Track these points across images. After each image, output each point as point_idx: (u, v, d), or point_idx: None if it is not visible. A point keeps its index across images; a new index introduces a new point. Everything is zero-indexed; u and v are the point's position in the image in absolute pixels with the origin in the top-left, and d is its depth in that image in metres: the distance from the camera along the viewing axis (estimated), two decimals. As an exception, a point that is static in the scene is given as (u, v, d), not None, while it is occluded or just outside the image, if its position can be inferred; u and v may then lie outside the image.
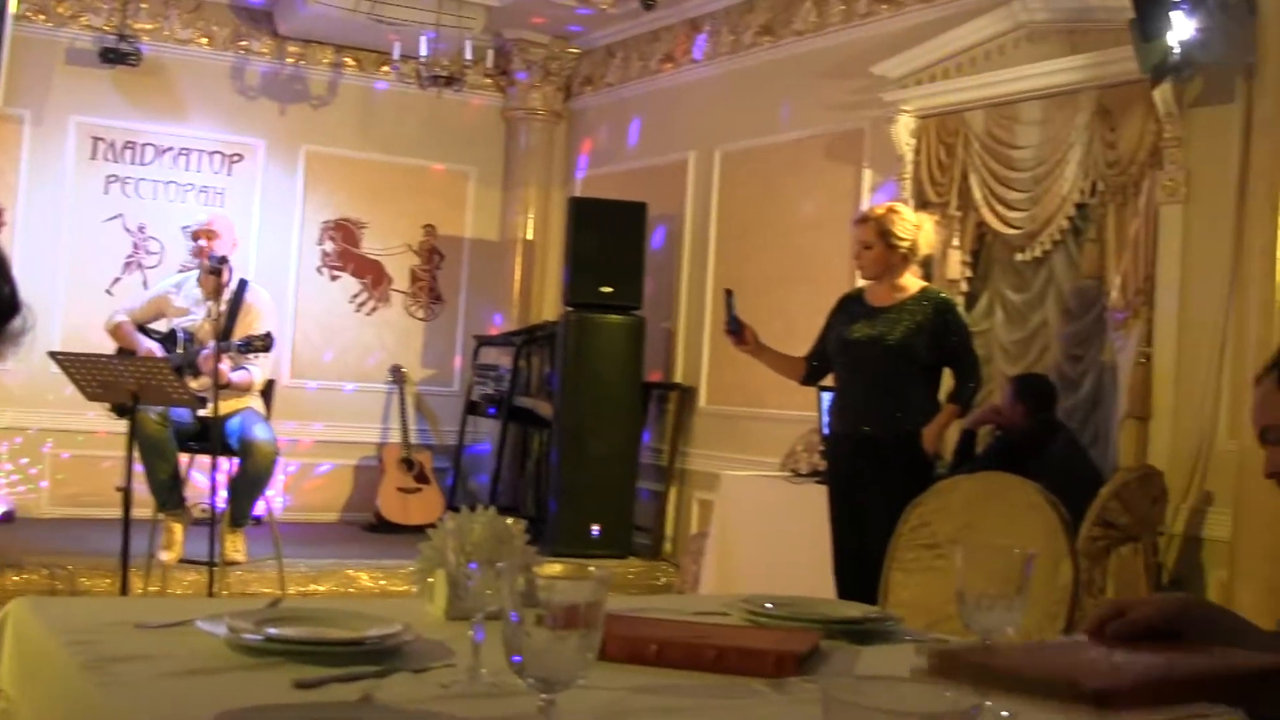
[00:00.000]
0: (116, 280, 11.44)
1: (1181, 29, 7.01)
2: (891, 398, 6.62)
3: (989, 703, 1.98)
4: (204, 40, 11.78)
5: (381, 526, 11.60)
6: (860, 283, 7.05)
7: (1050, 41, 8.19)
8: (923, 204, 8.57)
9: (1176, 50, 7.07)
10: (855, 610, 3.21)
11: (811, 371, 7.03)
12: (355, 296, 12.43)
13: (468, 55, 10.82)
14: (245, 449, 8.60)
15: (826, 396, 7.38)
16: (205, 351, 8.41)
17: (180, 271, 10.27)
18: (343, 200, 12.36)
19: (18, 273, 1.87)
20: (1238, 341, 6.93)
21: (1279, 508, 4.79)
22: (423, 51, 10.78)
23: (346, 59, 12.29)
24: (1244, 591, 6.43)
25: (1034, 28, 8.25)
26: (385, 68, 12.02)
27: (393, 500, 11.72)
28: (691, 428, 11.16)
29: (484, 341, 12.47)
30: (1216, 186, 7.31)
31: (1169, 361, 7.54)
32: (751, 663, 2.44)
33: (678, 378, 11.34)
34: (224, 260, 8.34)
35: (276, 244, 12.06)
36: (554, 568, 2.06)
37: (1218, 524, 7.07)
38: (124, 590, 7.47)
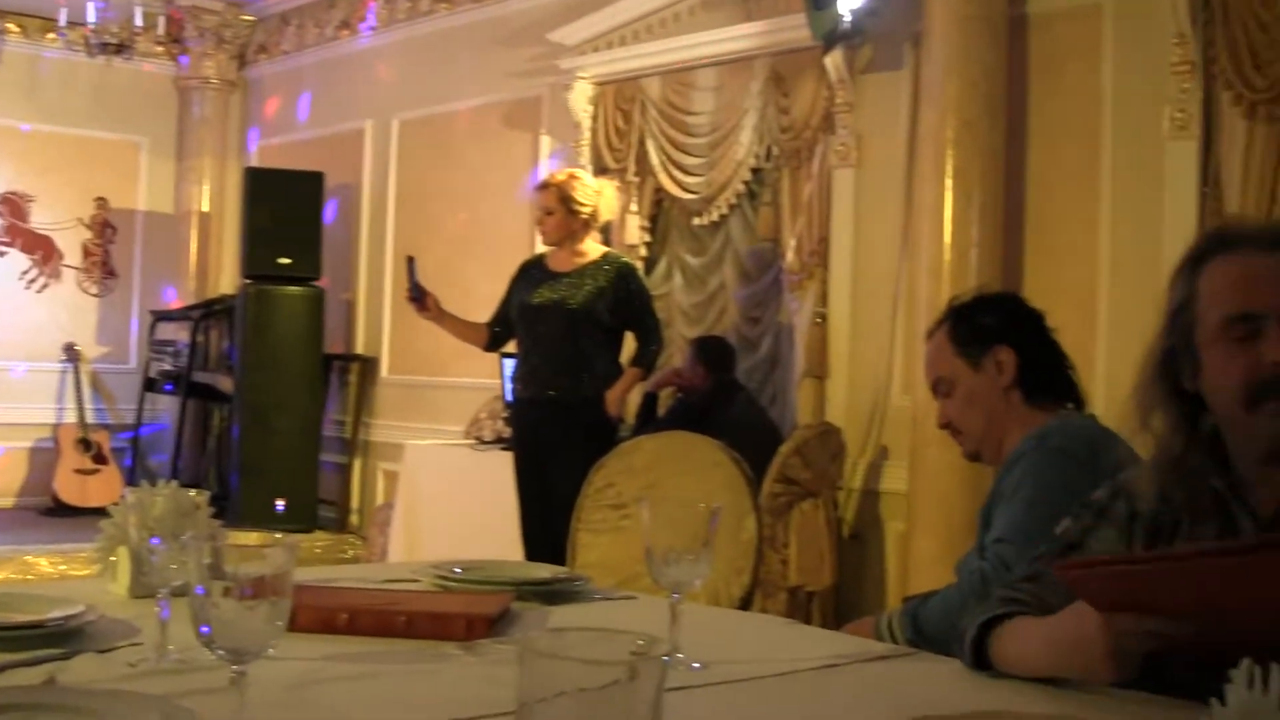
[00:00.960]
0: None
1: (852, -3, 7.09)
2: (574, 362, 6.56)
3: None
4: None
5: (60, 510, 11.17)
6: (542, 248, 6.95)
7: (725, 9, 8.22)
8: (601, 170, 8.53)
9: (847, 18, 7.17)
10: (544, 571, 3.16)
11: (494, 338, 6.92)
12: (25, 273, 11.92)
13: (138, 22, 10.41)
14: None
15: (509, 363, 7.28)
16: None
17: None
18: (9, 173, 11.82)
19: None
20: (909, 300, 7.06)
21: (952, 459, 4.75)
22: (90, 18, 10.34)
23: (9, 24, 11.72)
24: (921, 541, 6.55)
25: (708, -5, 8.27)
26: (51, 35, 11.48)
27: (70, 482, 11.27)
28: (374, 399, 10.97)
29: (160, 317, 12.08)
30: (886, 150, 7.44)
31: (844, 321, 7.66)
32: (443, 627, 2.38)
33: (359, 349, 11.14)
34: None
35: (-64, 219, 11.45)
36: (240, 538, 1.91)
37: (894, 477, 7.20)
38: None
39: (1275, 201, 5.96)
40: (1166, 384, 2.20)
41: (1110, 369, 6.20)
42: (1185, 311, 2.17)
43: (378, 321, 10.93)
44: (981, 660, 2.21)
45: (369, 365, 11.00)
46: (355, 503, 10.99)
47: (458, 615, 2.41)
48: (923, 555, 6.49)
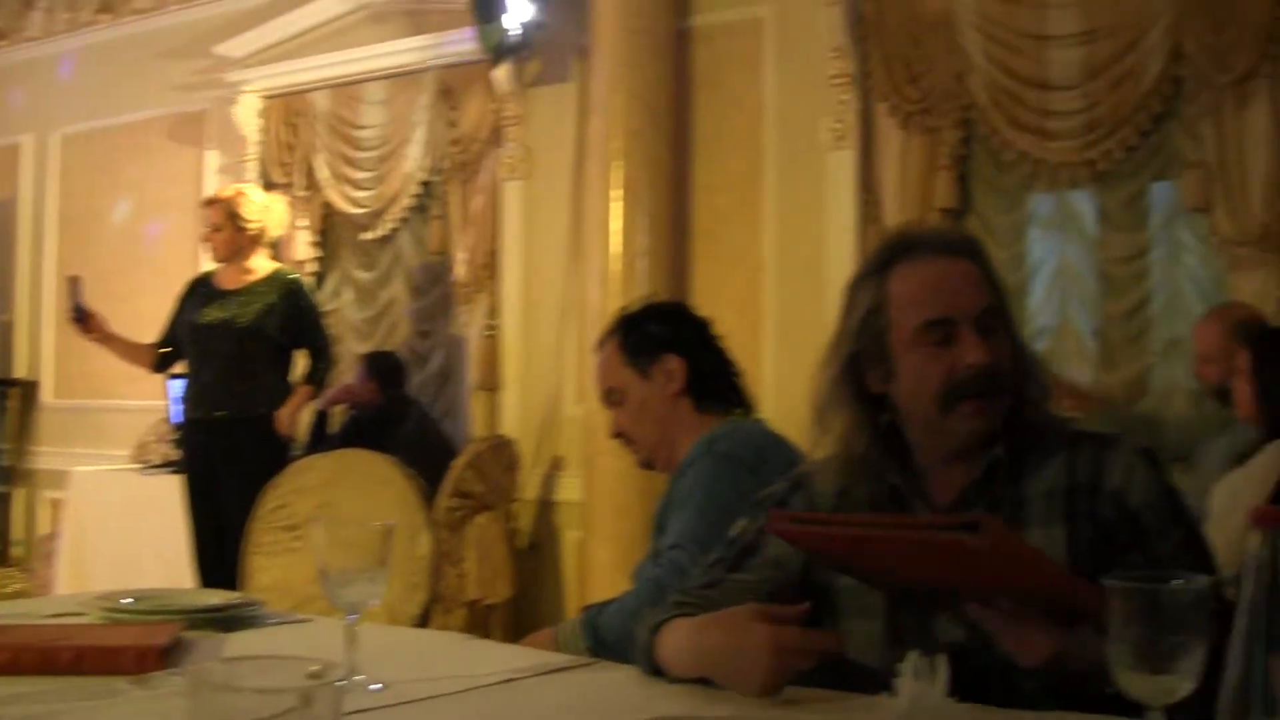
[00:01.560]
0: None
1: (519, 11, 7.06)
2: (245, 381, 6.36)
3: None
4: None
5: None
6: (210, 266, 6.72)
7: (393, 22, 8.09)
8: (269, 185, 8.26)
9: (515, 32, 7.13)
10: (217, 598, 3.04)
11: (162, 358, 6.68)
12: None
13: None
14: None
15: (175, 384, 7.02)
16: None
17: None
18: None
19: None
20: (579, 311, 7.01)
21: (625, 468, 4.76)
22: None
23: None
24: (598, 550, 6.52)
25: (376, 9, 8.12)
26: None
27: None
28: (37, 424, 10.47)
29: None
30: (555, 163, 7.41)
31: (515, 333, 7.59)
32: (111, 661, 2.26)
33: (19, 373, 10.62)
34: None
35: None
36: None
37: (569, 487, 7.16)
38: None
39: (931, 208, 6.10)
40: (851, 386, 2.24)
41: (778, 374, 6.27)
42: (876, 316, 2.20)
43: (39, 344, 10.45)
44: (656, 664, 2.18)
45: (30, 389, 10.50)
46: (19, 534, 10.47)
47: (127, 648, 2.30)
48: (600, 564, 6.47)
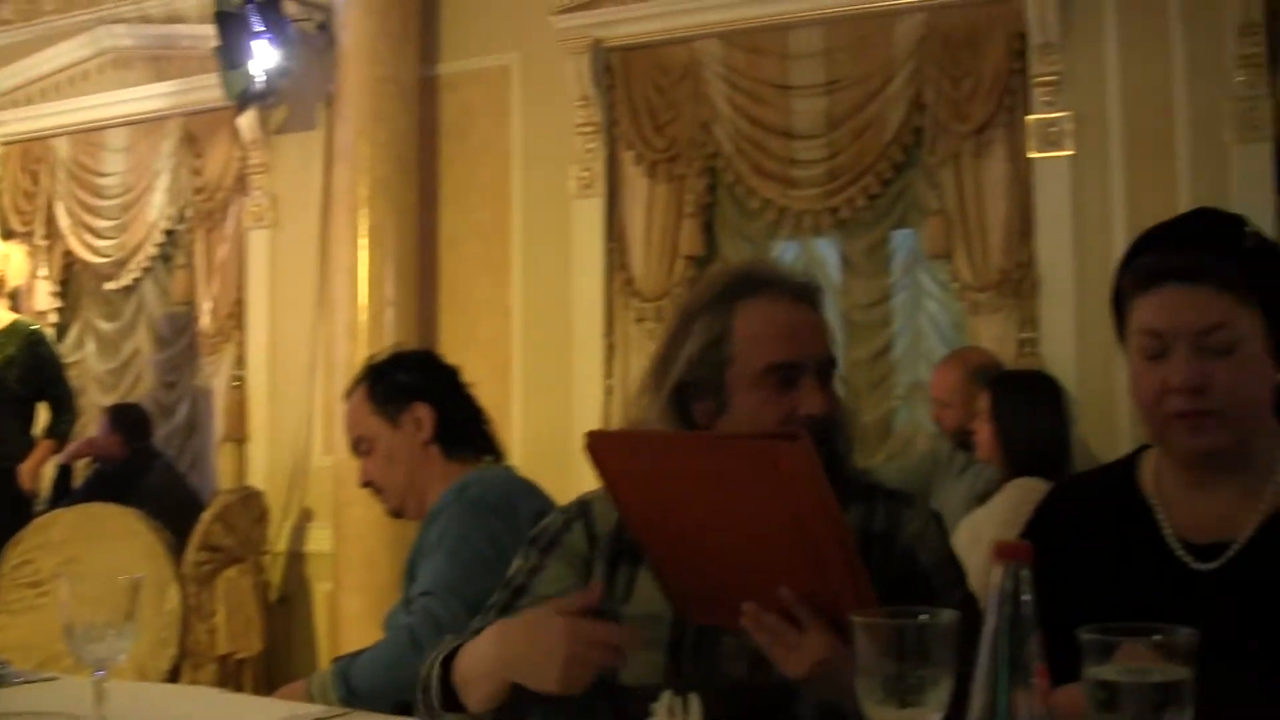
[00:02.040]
0: None
1: (265, 57, 6.61)
2: (-15, 435, 5.92)
3: None
4: None
5: None
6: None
7: (136, 68, 7.56)
8: (8, 234, 7.70)
9: (260, 79, 6.67)
10: None
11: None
12: None
13: None
14: None
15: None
16: None
17: None
18: None
19: None
20: (327, 360, 6.62)
21: (376, 517, 4.52)
22: None
23: None
24: (349, 600, 6.19)
25: (119, 54, 7.59)
26: None
27: None
28: None
29: None
30: (302, 211, 6.99)
31: (262, 383, 7.16)
32: None
33: None
34: None
35: None
36: None
37: (319, 538, 6.78)
38: None
39: (677, 255, 5.85)
40: (675, 415, 2.12)
41: (526, 421, 6.09)
42: (717, 349, 2.09)
43: None
44: (447, 697, 2.04)
45: None
46: None
47: None
48: (351, 614, 6.16)
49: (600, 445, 1.96)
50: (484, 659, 1.99)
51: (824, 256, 5.81)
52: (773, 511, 1.82)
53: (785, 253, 5.88)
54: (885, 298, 5.68)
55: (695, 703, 1.34)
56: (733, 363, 2.08)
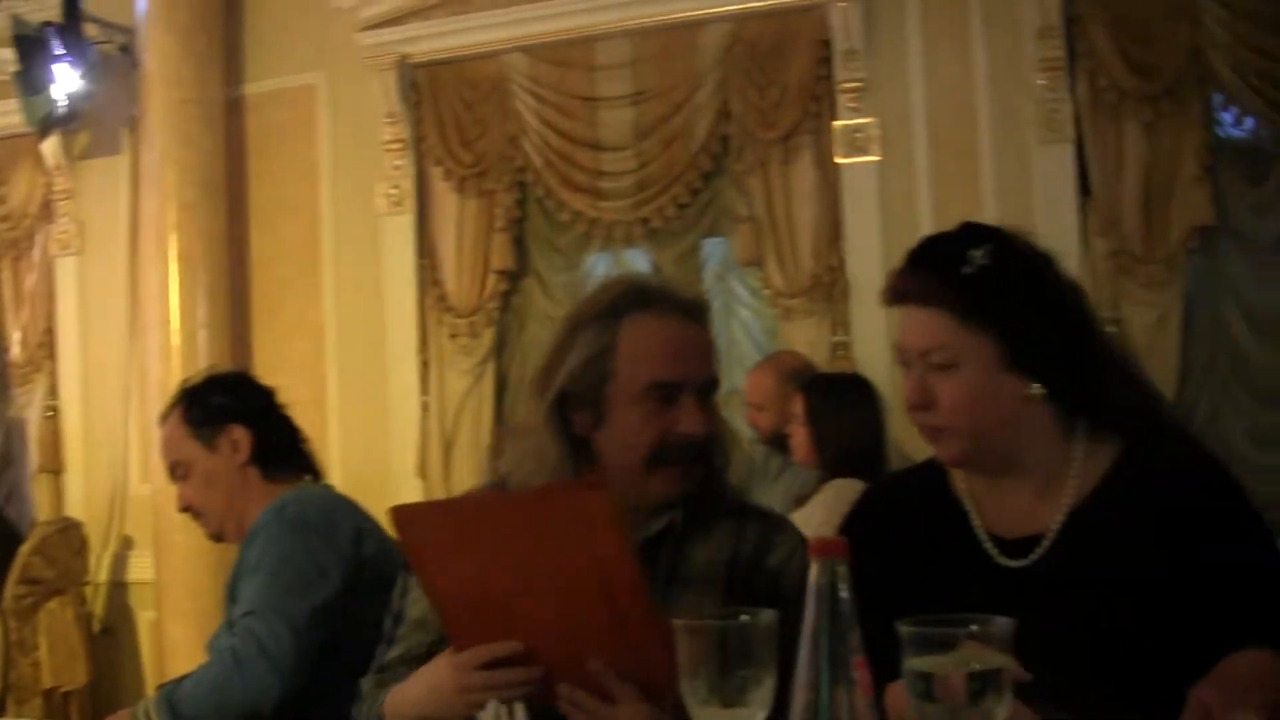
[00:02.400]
0: None
1: (66, 82, 6.17)
2: None
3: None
4: None
5: None
6: None
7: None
8: None
9: (62, 103, 6.24)
10: None
11: None
12: None
13: None
14: None
15: None
16: None
17: None
18: None
19: None
20: (141, 386, 6.26)
21: (197, 542, 4.33)
22: None
23: None
24: (174, 628, 5.88)
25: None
26: None
27: None
28: None
29: None
30: (110, 236, 6.59)
31: (76, 412, 6.75)
32: None
33: None
34: None
35: None
36: None
37: (141, 567, 6.40)
38: None
39: (488, 270, 5.57)
40: (555, 424, 2.06)
41: (344, 439, 5.82)
42: (600, 362, 2.03)
43: None
44: None
45: None
46: None
47: None
48: (176, 642, 5.83)
49: (405, 519, 1.92)
50: (404, 701, 2.02)
51: (636, 267, 5.57)
52: (577, 565, 1.81)
53: (597, 265, 5.63)
54: (698, 307, 5.42)
55: (520, 710, 1.28)
56: (615, 377, 2.03)
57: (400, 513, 1.92)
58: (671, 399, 2.02)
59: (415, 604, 2.15)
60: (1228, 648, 1.70)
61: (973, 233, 1.92)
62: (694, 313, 2.08)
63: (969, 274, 1.85)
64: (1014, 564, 1.92)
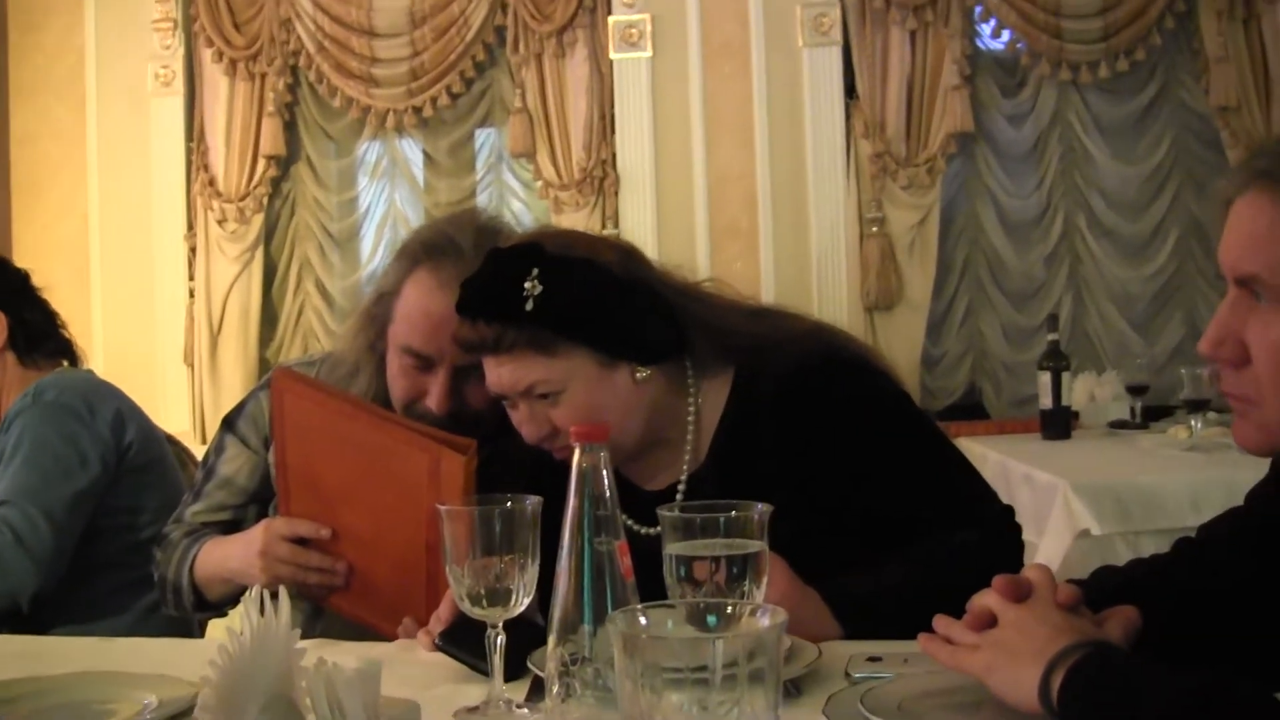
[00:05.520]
0: None
1: None
2: None
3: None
4: None
5: None
6: None
7: None
8: None
9: None
10: None
11: None
12: None
13: None
14: None
15: None
16: None
17: None
18: None
19: None
20: None
21: None
22: None
23: None
24: None
25: None
26: None
27: None
28: None
29: None
30: None
31: None
32: None
33: None
34: None
35: None
36: None
37: None
38: None
39: (258, 155, 5.11)
40: (365, 337, 2.02)
41: (107, 325, 5.25)
42: (385, 302, 1.98)
43: None
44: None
45: None
46: None
47: None
48: None
49: (285, 385, 1.92)
50: (217, 554, 2.02)
51: (408, 156, 5.15)
52: (410, 505, 1.78)
53: (369, 152, 5.19)
54: (469, 195, 5.07)
55: (284, 596, 1.08)
56: (391, 322, 1.96)
57: (284, 377, 1.93)
58: (427, 367, 1.92)
59: (228, 463, 2.12)
60: (894, 542, 1.69)
61: (513, 263, 1.72)
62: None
63: (533, 309, 1.69)
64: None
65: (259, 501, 2.13)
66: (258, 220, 5.13)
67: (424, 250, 1.97)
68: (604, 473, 1.22)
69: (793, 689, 1.36)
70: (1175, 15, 4.87)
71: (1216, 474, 3.41)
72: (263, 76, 5.12)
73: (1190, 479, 3.41)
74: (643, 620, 1.02)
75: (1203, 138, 4.92)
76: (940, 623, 1.33)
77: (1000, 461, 4.00)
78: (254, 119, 5.11)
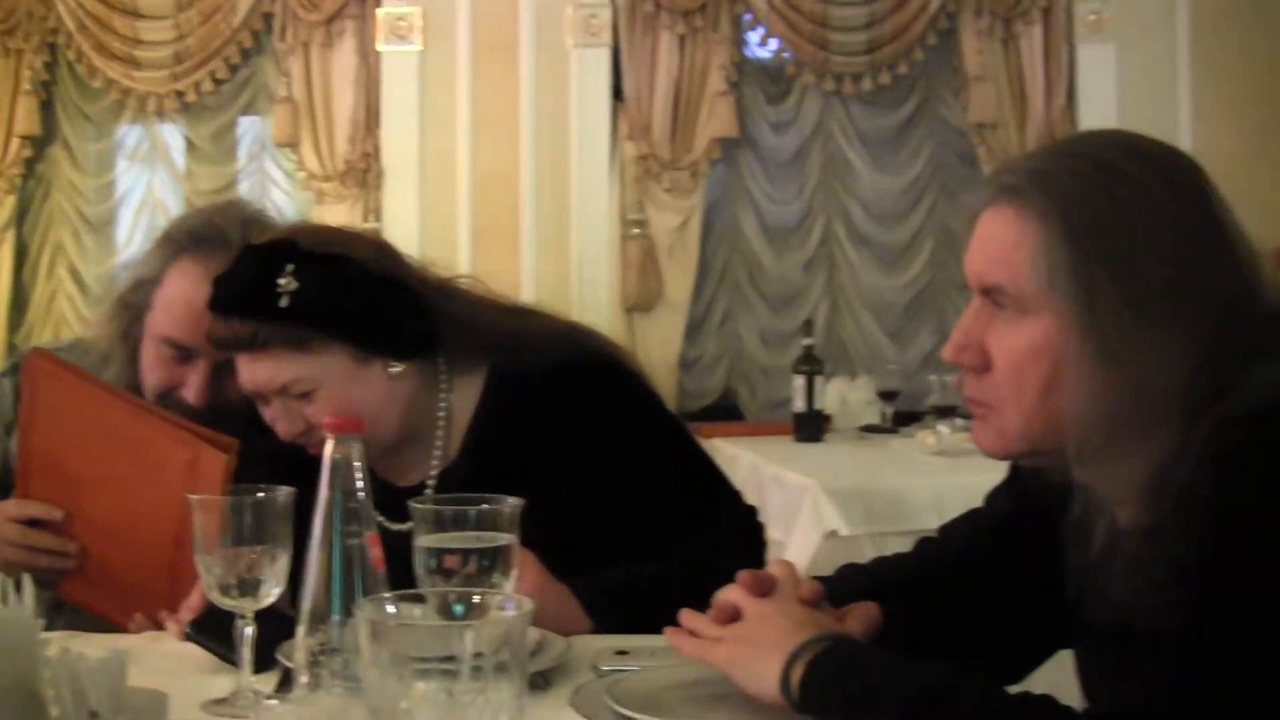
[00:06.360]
0: None
1: None
2: None
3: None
4: None
5: None
6: None
7: None
8: None
9: None
10: None
11: None
12: None
13: None
14: None
15: None
16: None
17: None
18: None
19: None
20: None
21: None
22: None
23: None
24: None
25: None
26: None
27: None
28: None
29: None
30: None
31: None
32: None
33: None
34: None
35: None
36: None
37: None
38: None
39: (12, 134, 4.89)
40: (117, 325, 1.93)
41: None
42: (143, 289, 1.90)
43: None
44: None
45: None
46: None
47: None
48: None
49: (39, 365, 1.85)
50: None
51: (168, 141, 4.98)
52: (164, 499, 1.67)
53: (129, 136, 5.00)
54: (231, 184, 4.92)
55: (27, 585, 1.05)
56: (150, 310, 1.89)
57: (39, 358, 1.87)
58: (186, 359, 1.87)
59: None
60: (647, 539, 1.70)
61: (268, 259, 1.68)
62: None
63: (288, 306, 1.65)
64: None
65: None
66: (10, 202, 4.90)
67: (190, 239, 1.90)
68: (356, 465, 1.19)
69: (541, 681, 1.35)
70: (938, 33, 4.94)
71: (960, 478, 3.40)
72: (19, 53, 4.89)
73: (935, 482, 3.42)
74: (390, 609, 1.00)
75: (960, 152, 5.00)
76: (686, 617, 1.33)
77: (752, 462, 3.98)
78: (8, 97, 4.89)
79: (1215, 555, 1.06)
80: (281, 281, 1.64)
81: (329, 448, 1.19)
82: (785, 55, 4.91)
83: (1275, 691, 1.02)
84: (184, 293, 1.84)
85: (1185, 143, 4.72)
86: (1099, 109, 4.93)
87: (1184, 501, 1.11)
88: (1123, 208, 1.18)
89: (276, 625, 1.36)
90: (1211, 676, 1.03)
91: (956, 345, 1.27)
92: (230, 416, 1.82)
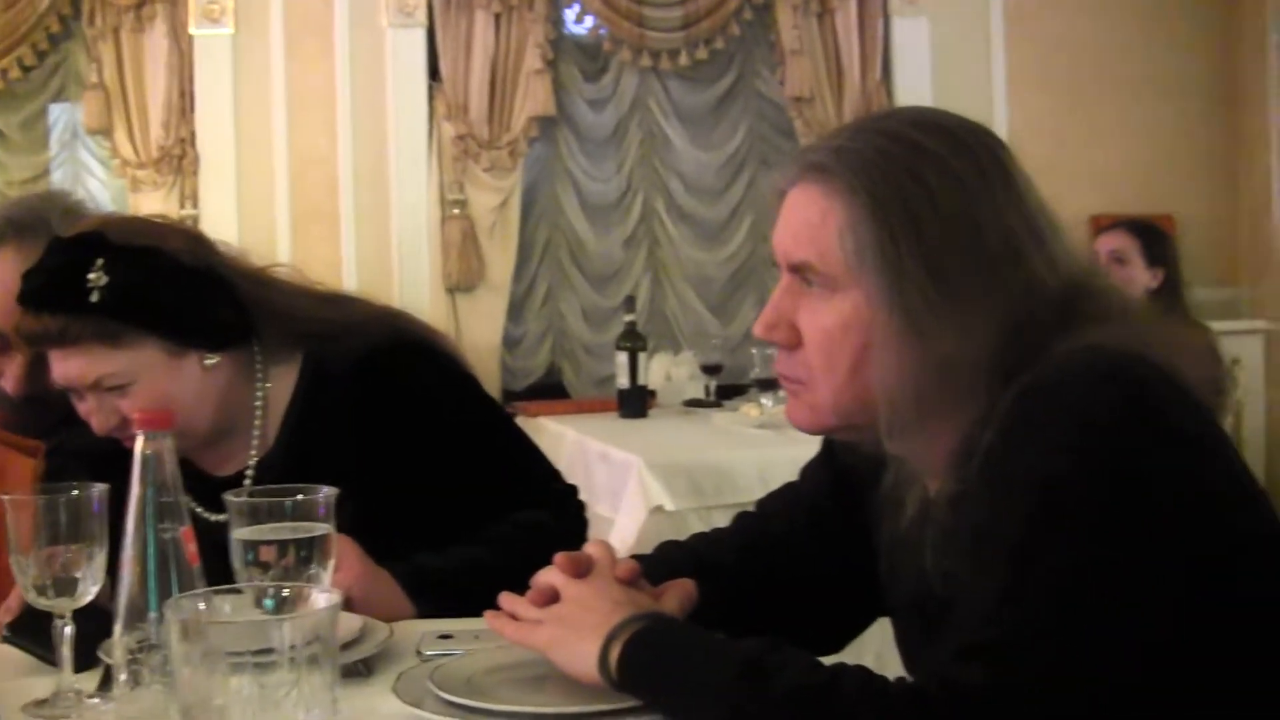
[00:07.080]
0: None
1: None
2: None
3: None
4: None
5: None
6: None
7: None
8: None
9: None
10: None
11: None
12: None
13: None
14: None
15: None
16: None
17: None
18: None
19: None
20: None
21: None
22: None
23: None
24: None
25: None
26: None
27: None
28: None
29: None
30: None
31: None
32: None
33: None
34: None
35: None
36: None
37: None
38: None
39: None
40: None
41: None
42: None
43: None
44: None
45: None
46: None
47: None
48: None
49: None
50: None
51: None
52: None
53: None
54: (43, 173, 4.73)
55: None
56: None
57: None
58: (3, 349, 1.88)
59: None
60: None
61: (76, 252, 1.65)
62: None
63: (98, 300, 1.62)
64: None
65: None
66: None
67: (11, 228, 1.89)
68: (168, 459, 1.19)
69: (363, 669, 1.36)
70: (753, 7, 4.94)
71: (784, 451, 3.41)
72: None
73: (759, 455, 3.45)
74: (201, 605, 1.01)
75: (778, 126, 5.01)
76: (506, 600, 1.33)
77: (578, 440, 3.99)
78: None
79: (1010, 520, 1.09)
80: (91, 276, 1.62)
81: (140, 443, 1.19)
82: (601, 32, 4.88)
83: (1071, 649, 1.04)
84: (5, 282, 1.81)
85: (999, 115, 4.81)
86: (914, 82, 4.97)
87: (983, 469, 1.13)
88: (927, 184, 1.20)
89: (98, 622, 1.33)
90: (1013, 644, 1.05)
91: (767, 323, 1.29)
92: (50, 406, 1.81)
